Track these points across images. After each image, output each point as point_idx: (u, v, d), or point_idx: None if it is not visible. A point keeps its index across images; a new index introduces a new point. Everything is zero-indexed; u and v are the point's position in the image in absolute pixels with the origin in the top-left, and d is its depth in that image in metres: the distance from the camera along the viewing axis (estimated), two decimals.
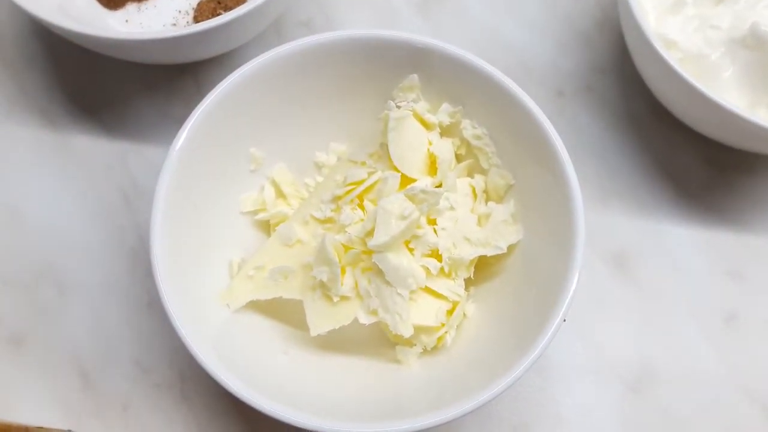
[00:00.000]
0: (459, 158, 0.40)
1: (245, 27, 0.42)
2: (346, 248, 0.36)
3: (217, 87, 0.36)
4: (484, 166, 0.40)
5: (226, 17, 0.40)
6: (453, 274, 0.37)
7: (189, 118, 0.36)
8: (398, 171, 0.38)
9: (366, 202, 0.37)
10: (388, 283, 0.35)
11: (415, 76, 0.39)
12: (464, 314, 0.38)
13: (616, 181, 0.47)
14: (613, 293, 0.44)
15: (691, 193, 0.46)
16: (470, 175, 0.40)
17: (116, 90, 0.48)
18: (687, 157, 0.47)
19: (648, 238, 0.45)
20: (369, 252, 0.35)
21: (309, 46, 0.38)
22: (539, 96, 0.46)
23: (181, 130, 0.35)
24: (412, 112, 0.39)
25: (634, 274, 0.44)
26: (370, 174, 0.37)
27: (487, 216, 0.38)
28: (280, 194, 0.41)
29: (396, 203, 0.35)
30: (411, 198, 0.35)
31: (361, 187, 0.37)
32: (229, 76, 0.37)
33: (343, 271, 0.36)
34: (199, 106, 0.36)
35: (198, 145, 0.36)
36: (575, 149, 0.45)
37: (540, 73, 0.50)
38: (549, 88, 0.49)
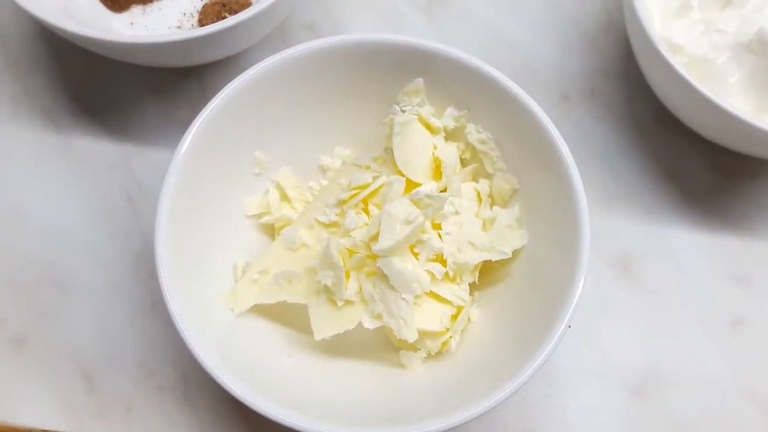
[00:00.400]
0: (464, 162, 0.40)
1: (250, 30, 0.42)
2: (351, 252, 0.36)
3: (222, 90, 0.36)
4: (489, 170, 0.39)
5: (231, 21, 0.40)
6: (458, 279, 0.37)
7: (194, 121, 0.36)
8: (403, 175, 0.38)
9: (371, 207, 0.37)
10: (392, 287, 0.35)
11: (420, 80, 0.39)
12: (469, 319, 0.38)
13: (620, 185, 0.46)
14: (618, 297, 0.44)
15: (695, 197, 0.46)
16: (475, 179, 0.40)
17: (120, 92, 0.48)
18: (692, 162, 0.47)
19: (653, 242, 0.45)
20: (374, 256, 0.35)
21: (314, 50, 0.38)
22: (544, 99, 0.46)
23: (186, 134, 0.35)
24: (416, 117, 0.38)
25: (639, 277, 0.44)
26: (374, 178, 0.37)
27: (492, 220, 0.38)
28: (285, 198, 0.41)
29: (401, 208, 0.35)
30: (416, 202, 0.35)
31: (366, 192, 0.37)
32: (234, 80, 0.37)
33: (348, 276, 0.36)
34: (204, 109, 0.36)
35: (203, 149, 0.36)
36: (580, 153, 0.45)
37: (545, 76, 0.49)
38: (554, 90, 0.49)
